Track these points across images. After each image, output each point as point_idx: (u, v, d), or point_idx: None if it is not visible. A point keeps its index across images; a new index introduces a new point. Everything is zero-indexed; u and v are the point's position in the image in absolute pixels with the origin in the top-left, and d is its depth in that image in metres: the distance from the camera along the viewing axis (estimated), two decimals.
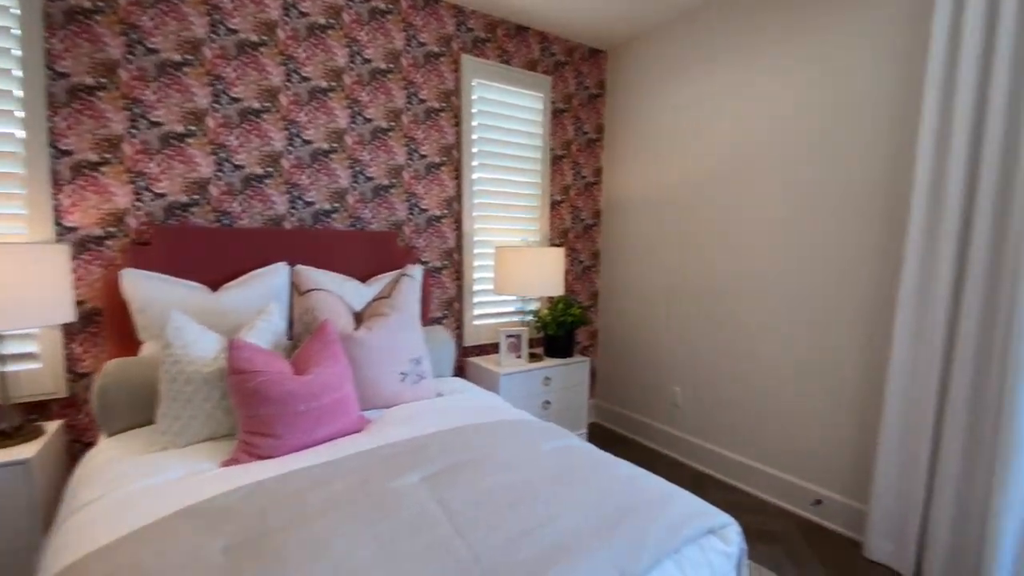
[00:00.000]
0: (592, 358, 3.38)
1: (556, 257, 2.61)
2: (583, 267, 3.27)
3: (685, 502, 1.17)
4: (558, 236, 3.12)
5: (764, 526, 2.19)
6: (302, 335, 1.70)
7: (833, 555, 1.99)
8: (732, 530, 1.15)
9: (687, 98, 2.70)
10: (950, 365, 1.72)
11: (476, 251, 2.77)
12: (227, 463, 1.41)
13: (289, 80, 2.19)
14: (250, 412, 1.44)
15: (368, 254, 2.36)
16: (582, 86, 3.12)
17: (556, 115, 3.03)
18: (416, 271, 2.07)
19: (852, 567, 1.92)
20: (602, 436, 3.18)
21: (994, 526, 1.60)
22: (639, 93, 2.98)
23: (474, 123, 2.69)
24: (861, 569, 1.90)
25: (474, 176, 2.72)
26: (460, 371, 2.78)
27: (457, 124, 2.65)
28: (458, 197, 2.69)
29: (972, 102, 1.62)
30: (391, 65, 2.43)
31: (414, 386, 1.76)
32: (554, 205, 3.08)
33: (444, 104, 2.60)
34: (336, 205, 2.35)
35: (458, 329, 2.77)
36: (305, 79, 2.22)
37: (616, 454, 2.91)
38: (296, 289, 1.76)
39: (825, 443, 2.19)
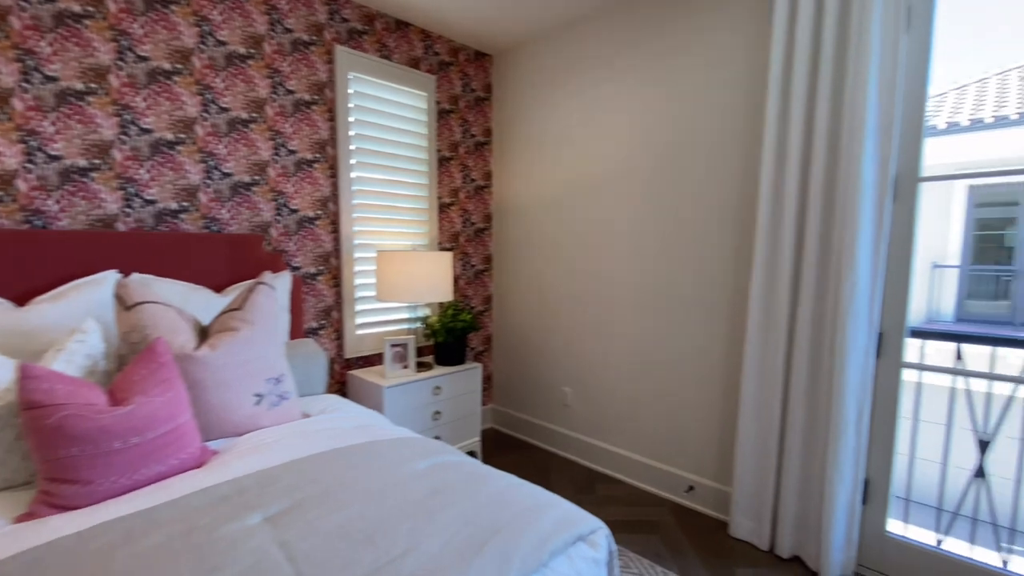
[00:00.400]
0: (487, 363, 3.34)
1: (444, 262, 2.53)
2: (475, 271, 3.22)
3: (557, 512, 1.15)
4: (448, 240, 3.04)
5: (646, 516, 2.28)
6: (127, 357, 1.43)
7: (703, 537, 2.12)
8: (601, 535, 1.15)
9: (567, 108, 2.77)
10: (791, 353, 1.92)
11: (357, 255, 2.59)
12: (21, 518, 1.14)
13: (122, 59, 1.87)
14: (50, 455, 1.17)
15: (226, 260, 2.09)
16: (469, 88, 3.07)
17: (442, 116, 2.95)
18: (277, 278, 1.86)
19: (719, 546, 2.06)
20: (497, 441, 3.15)
21: (830, 493, 1.80)
22: (524, 99, 3.00)
23: (351, 118, 2.51)
24: (726, 548, 2.05)
25: (353, 175, 2.54)
26: (342, 386, 2.58)
27: (332, 119, 2.46)
28: (335, 197, 2.50)
29: (802, 119, 1.82)
30: (252, 50, 2.19)
31: (273, 409, 1.57)
32: (443, 208, 3.00)
33: (316, 97, 2.40)
34: (185, 204, 2.05)
35: (338, 340, 2.57)
36: (143, 58, 1.91)
37: (511, 459, 2.90)
38: (121, 303, 1.48)
39: (697, 432, 2.35)
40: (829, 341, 1.79)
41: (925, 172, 1.69)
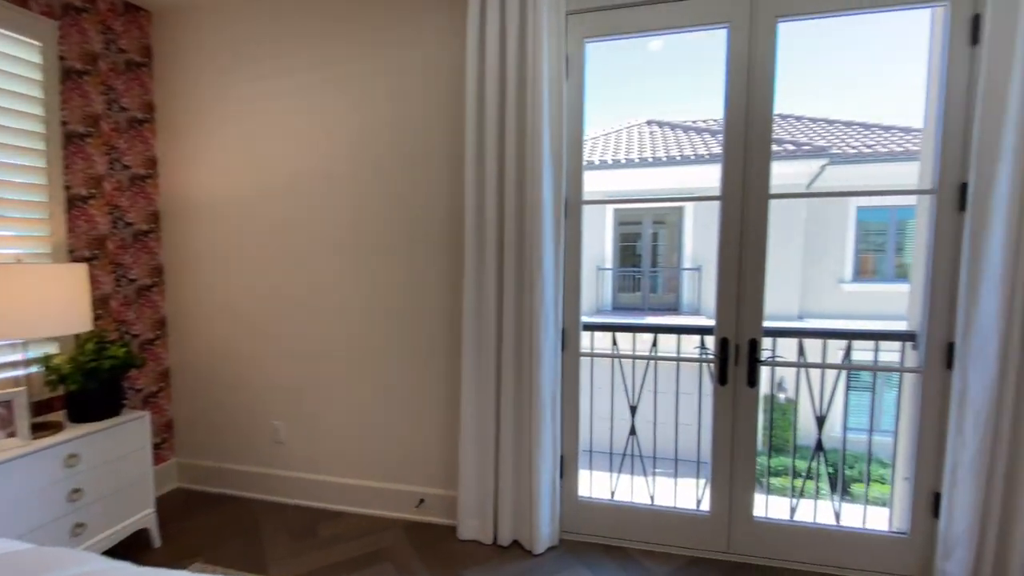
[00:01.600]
0: (163, 407, 2.59)
1: (73, 278, 1.80)
2: (138, 288, 2.44)
3: None
4: (88, 246, 2.21)
5: (376, 545, 2.12)
6: None
7: (433, 548, 2.09)
8: None
9: (258, 91, 2.36)
10: (501, 358, 2.05)
11: None
12: None
13: None
14: None
15: None
16: (114, 47, 2.30)
17: (71, 78, 2.12)
18: None
19: (448, 553, 2.06)
20: (188, 504, 2.47)
21: (536, 476, 2.00)
22: (199, 74, 2.43)
23: None
24: (455, 552, 2.07)
25: None
26: None
27: None
28: None
29: (496, 151, 1.97)
30: None
31: None
32: (77, 203, 2.16)
33: None
34: None
35: None
36: None
37: (208, 520, 2.29)
38: None
39: (424, 444, 2.31)
40: (528, 343, 1.99)
41: (585, 197, 2.04)
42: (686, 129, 9.92)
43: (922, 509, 1.82)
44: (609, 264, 9.30)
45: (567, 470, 2.14)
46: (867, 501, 2.14)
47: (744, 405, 1.92)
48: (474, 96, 1.96)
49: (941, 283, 1.74)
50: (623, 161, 8.79)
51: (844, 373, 2.15)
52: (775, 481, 5.90)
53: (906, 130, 9.05)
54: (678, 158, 8.66)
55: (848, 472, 4.57)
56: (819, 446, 2.13)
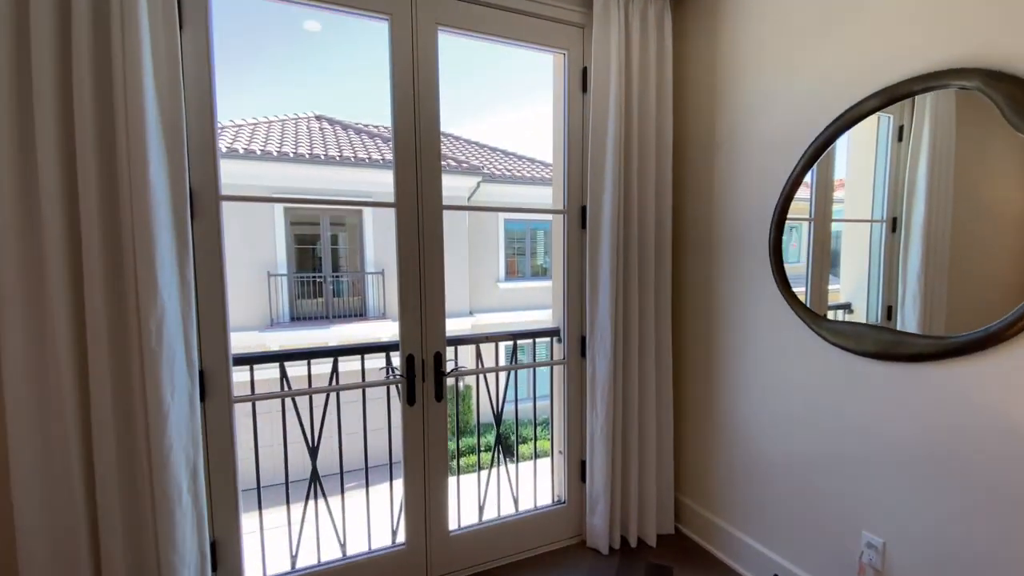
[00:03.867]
0: None
1: None
2: None
3: None
4: None
5: None
6: None
7: None
8: None
9: None
10: (91, 426, 1.34)
11: None
12: None
13: None
14: None
15: None
16: None
17: None
18: None
19: None
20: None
21: None
22: None
23: None
24: None
25: None
26: None
27: None
28: None
29: (56, 115, 1.26)
30: None
31: None
32: None
33: None
34: None
35: None
36: None
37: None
38: None
39: None
40: (142, 403, 1.35)
41: (225, 191, 1.54)
42: (359, 131, 9.81)
43: (575, 477, 2.16)
44: (283, 269, 8.28)
45: (224, 561, 1.60)
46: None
47: (434, 421, 1.84)
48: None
49: (574, 289, 2.09)
50: (290, 155, 7.95)
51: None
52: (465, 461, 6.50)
53: (541, 162, 11.53)
54: (352, 159, 8.44)
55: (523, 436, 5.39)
56: (498, 439, 2.29)
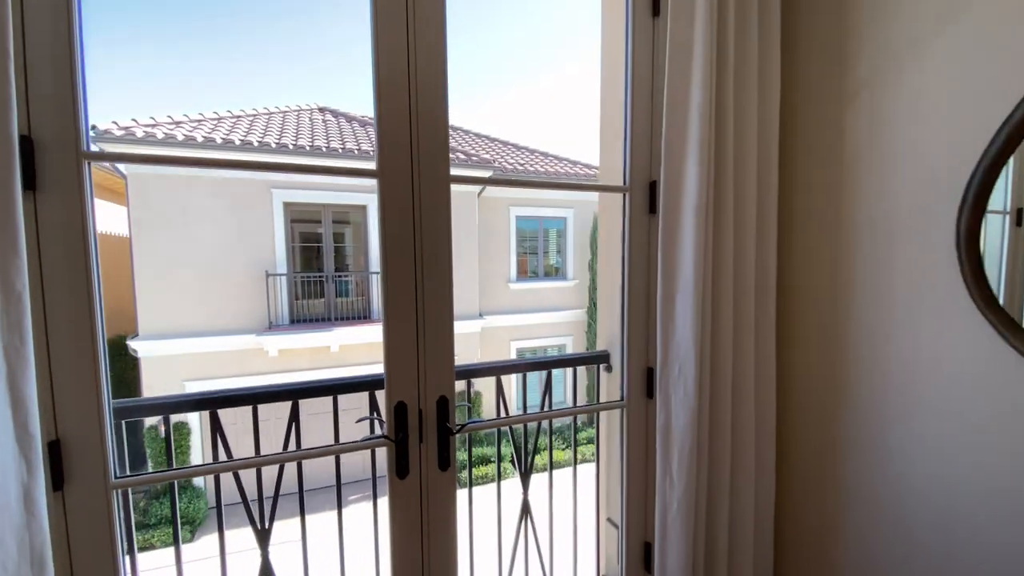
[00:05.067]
0: None
1: None
2: None
3: None
4: None
5: None
6: None
7: None
8: None
9: None
10: None
11: None
12: None
13: None
14: None
15: None
16: None
17: None
18: None
19: None
20: None
21: None
22: None
23: None
24: None
25: None
26: None
27: None
28: None
29: None
30: None
31: None
32: None
33: None
34: None
35: None
36: None
37: None
38: None
39: None
40: None
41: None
42: (363, 123, 9.25)
43: (635, 564, 1.54)
44: (282, 268, 7.73)
45: None
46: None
47: (438, 503, 1.23)
48: None
49: (637, 300, 1.47)
50: (290, 147, 7.42)
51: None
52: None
53: (559, 157, 10.89)
54: (356, 151, 7.88)
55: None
56: (525, 509, 1.67)
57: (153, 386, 6.94)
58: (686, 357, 1.35)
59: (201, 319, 7.06)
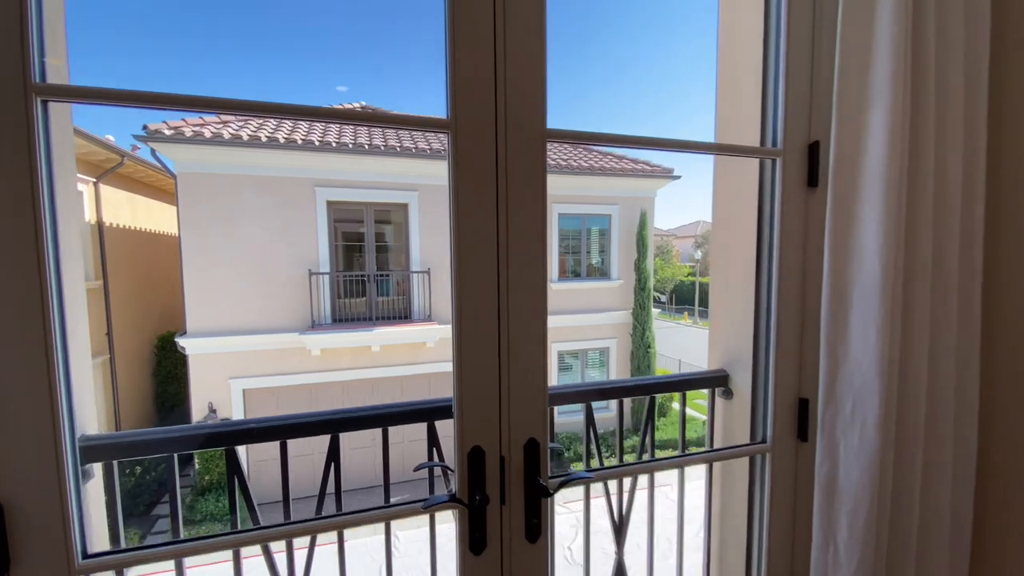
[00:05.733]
0: None
1: None
2: None
3: None
4: None
5: None
6: None
7: None
8: None
9: None
10: None
11: None
12: None
13: None
14: None
15: None
16: None
17: None
18: None
19: None
20: None
21: None
22: None
23: None
24: None
25: None
26: None
27: None
28: None
29: None
30: None
31: None
32: None
33: None
34: None
35: None
36: None
37: None
38: None
39: None
40: None
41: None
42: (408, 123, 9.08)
43: None
44: (325, 267, 7.64)
45: None
46: None
47: None
48: None
49: (790, 308, 1.08)
50: (333, 144, 7.33)
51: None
52: None
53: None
54: (398, 149, 7.72)
55: None
56: (620, 571, 1.31)
57: (200, 383, 6.97)
58: (865, 388, 0.96)
59: (246, 317, 7.05)
